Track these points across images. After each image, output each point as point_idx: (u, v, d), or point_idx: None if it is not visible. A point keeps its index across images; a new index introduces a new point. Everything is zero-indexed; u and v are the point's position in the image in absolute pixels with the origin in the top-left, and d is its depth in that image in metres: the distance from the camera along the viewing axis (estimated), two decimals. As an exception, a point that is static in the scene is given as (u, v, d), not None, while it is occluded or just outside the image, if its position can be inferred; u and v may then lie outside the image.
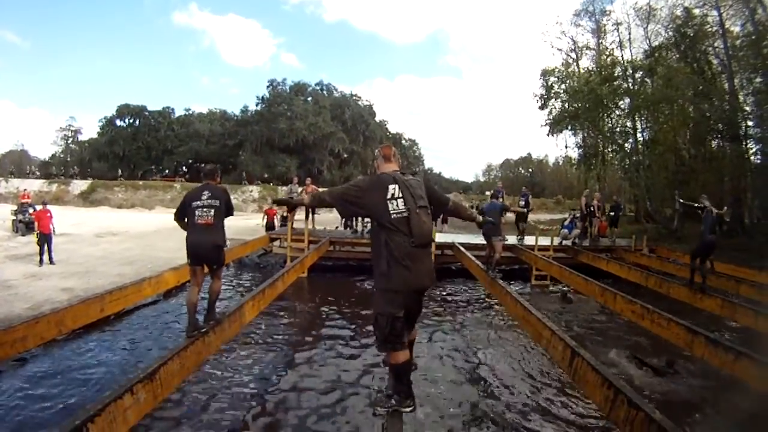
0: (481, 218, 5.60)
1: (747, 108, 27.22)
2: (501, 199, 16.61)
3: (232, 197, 6.53)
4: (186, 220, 6.21)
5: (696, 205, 12.50)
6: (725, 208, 14.17)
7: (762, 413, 6.00)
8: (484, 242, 12.53)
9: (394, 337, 3.93)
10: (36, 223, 16.40)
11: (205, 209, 6.06)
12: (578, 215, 20.22)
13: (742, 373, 6.14)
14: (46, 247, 15.82)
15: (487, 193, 16.64)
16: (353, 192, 4.13)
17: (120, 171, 68.04)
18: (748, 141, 27.49)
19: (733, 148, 28.01)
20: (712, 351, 6.73)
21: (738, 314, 9.75)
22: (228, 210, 6.36)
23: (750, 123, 27.18)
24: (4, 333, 5.67)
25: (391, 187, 3.93)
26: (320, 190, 4.43)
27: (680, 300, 11.33)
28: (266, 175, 72.04)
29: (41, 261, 15.59)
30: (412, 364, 4.36)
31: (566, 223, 20.46)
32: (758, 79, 25.83)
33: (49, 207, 17.21)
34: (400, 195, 3.90)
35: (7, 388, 7.14)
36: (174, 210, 6.42)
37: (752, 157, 27.91)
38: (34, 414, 6.46)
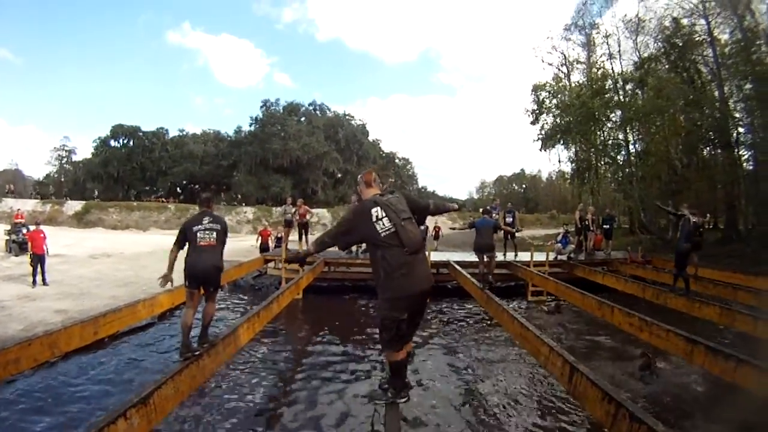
0: (456, 206, 6.09)
1: (737, 115, 27.43)
2: (496, 216, 17.03)
3: (226, 218, 6.61)
4: (187, 245, 6.41)
5: (674, 212, 13.46)
6: (707, 216, 14.22)
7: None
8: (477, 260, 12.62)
9: (400, 338, 4.52)
10: (29, 244, 16.31)
11: (207, 231, 6.36)
12: (571, 230, 20.24)
13: (743, 381, 6.10)
14: (39, 268, 15.75)
15: (482, 209, 16.74)
16: (344, 227, 4.77)
17: (112, 193, 67.79)
18: (739, 148, 27.69)
19: (725, 156, 28.21)
20: (712, 360, 6.70)
21: (737, 321, 9.74)
22: (225, 235, 6.54)
23: (741, 130, 27.45)
24: (-4, 354, 5.58)
25: (373, 211, 4.44)
26: (318, 235, 4.57)
27: (678, 310, 11.29)
28: (261, 197, 72.19)
29: (34, 282, 15.54)
30: (408, 362, 5.07)
31: (559, 238, 20.43)
32: (748, 86, 26.02)
33: (42, 228, 17.16)
34: (384, 215, 4.41)
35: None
36: (168, 231, 6.52)
37: (744, 164, 28.02)
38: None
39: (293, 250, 16.80)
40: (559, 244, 19.61)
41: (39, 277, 15.73)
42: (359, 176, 5.00)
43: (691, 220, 12.09)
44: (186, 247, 6.43)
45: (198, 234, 6.31)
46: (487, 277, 12.01)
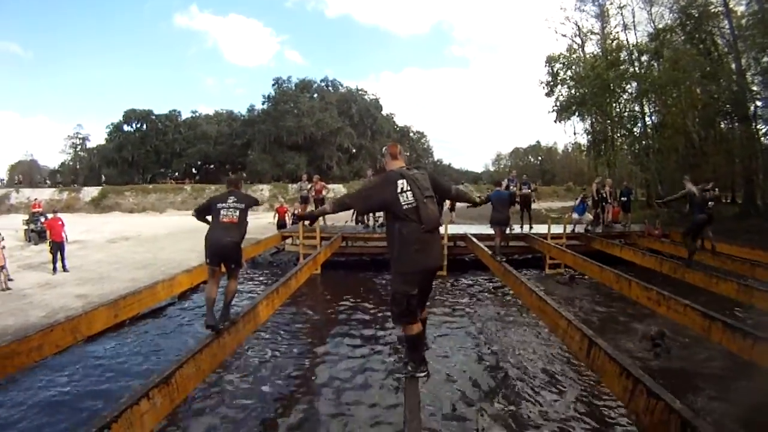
0: (478, 199, 6.49)
1: (755, 88, 26.90)
2: (513, 188, 17.12)
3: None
4: (209, 219, 6.52)
5: (677, 196, 13.00)
6: (710, 184, 14.03)
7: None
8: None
9: (410, 312, 4.58)
10: (48, 232, 16.45)
11: (230, 209, 6.36)
12: (588, 197, 20.12)
13: (760, 359, 6.03)
14: (59, 255, 15.91)
15: (503, 182, 16.57)
16: (368, 191, 4.98)
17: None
18: (757, 122, 27.28)
19: (742, 129, 27.89)
20: (729, 337, 6.62)
21: (755, 298, 9.52)
22: (251, 206, 6.64)
23: (759, 103, 26.90)
24: (19, 343, 5.68)
25: (399, 182, 4.52)
26: (338, 196, 4.77)
27: (696, 285, 11.14)
28: (277, 174, 72.13)
29: (54, 269, 15.70)
30: (424, 336, 5.12)
31: (576, 204, 20.26)
32: (765, 59, 25.48)
33: (60, 215, 17.30)
34: (408, 188, 4.48)
35: (23, 396, 7.17)
36: (185, 212, 6.55)
37: (762, 138, 27.70)
38: (51, 421, 6.47)
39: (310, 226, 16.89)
40: (576, 214, 19.49)
41: (59, 264, 15.89)
42: (384, 148, 5.07)
43: (695, 192, 12.04)
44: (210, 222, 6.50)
45: (221, 211, 6.36)
46: (496, 248, 12.27)
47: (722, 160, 28.38)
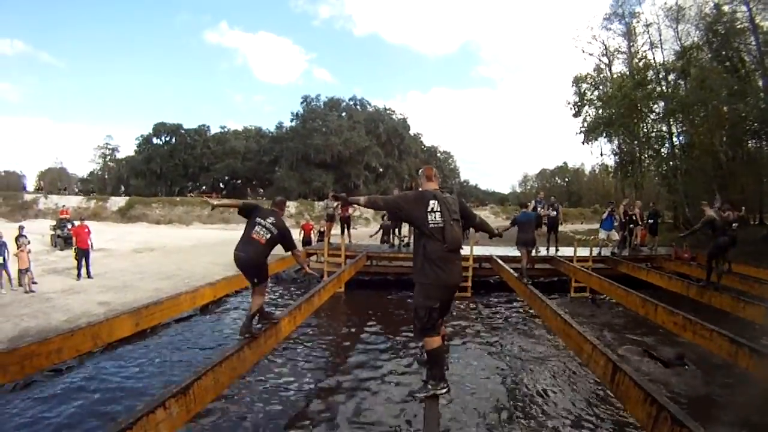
0: (496, 231, 6.78)
1: None
2: (541, 210, 17.42)
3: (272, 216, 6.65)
4: (244, 230, 6.55)
5: (698, 226, 13.16)
6: (725, 204, 13.99)
7: None
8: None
9: (431, 326, 4.95)
10: (74, 239, 16.57)
11: (264, 229, 6.42)
12: (616, 212, 19.84)
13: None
14: (84, 262, 16.07)
15: (530, 203, 16.71)
16: (402, 202, 5.16)
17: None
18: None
19: (771, 148, 27.26)
20: (756, 362, 6.53)
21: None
22: (282, 241, 6.63)
23: None
24: (39, 345, 5.70)
25: (431, 202, 4.90)
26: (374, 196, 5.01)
27: (723, 309, 10.97)
28: (304, 191, 72.67)
29: (79, 275, 15.85)
30: (444, 351, 5.52)
31: (604, 218, 20.02)
32: None
33: (87, 223, 17.41)
34: (438, 209, 4.87)
35: (41, 399, 7.21)
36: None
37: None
38: (68, 425, 6.49)
39: (335, 244, 16.86)
40: (604, 230, 19.49)
41: (83, 270, 16.02)
42: (420, 170, 5.51)
43: (716, 216, 12.28)
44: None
45: (255, 227, 6.43)
46: (522, 269, 12.17)
47: (750, 179, 28.09)
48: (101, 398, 7.27)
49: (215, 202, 6.84)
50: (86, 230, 16.34)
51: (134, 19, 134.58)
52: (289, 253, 6.84)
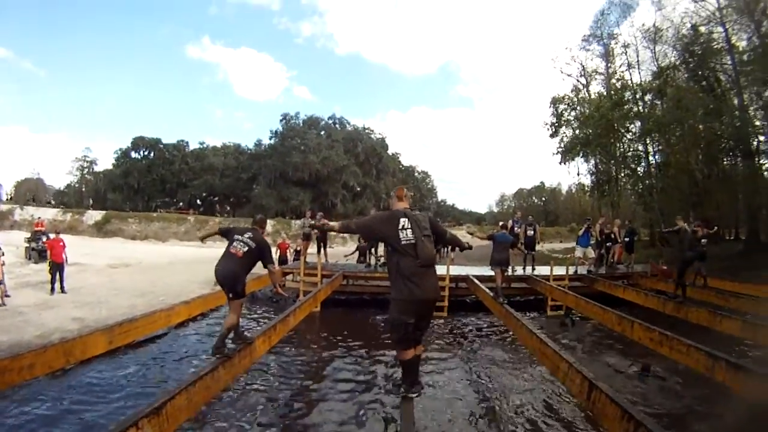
0: (467, 245, 6.91)
1: (758, 123, 27.27)
2: (518, 230, 17.95)
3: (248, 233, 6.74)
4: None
5: (672, 229, 14.30)
6: (698, 230, 14.52)
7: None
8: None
9: (407, 339, 5.20)
10: (48, 252, 16.41)
11: (241, 243, 6.59)
12: (593, 228, 20.09)
13: (765, 396, 5.97)
14: (58, 276, 15.89)
15: (501, 224, 17.12)
16: (374, 223, 5.56)
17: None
18: (760, 156, 27.45)
19: (746, 165, 28.00)
20: (733, 375, 6.58)
21: (759, 335, 9.64)
22: (260, 256, 6.77)
23: (762, 138, 27.18)
24: (11, 360, 5.64)
25: (402, 220, 5.16)
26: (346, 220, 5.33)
27: (699, 324, 11.12)
28: (281, 209, 72.81)
29: (53, 289, 15.69)
30: (418, 360, 5.66)
31: (580, 235, 20.26)
32: (767, 93, 25.83)
33: (62, 236, 17.33)
34: (409, 226, 5.12)
35: (13, 416, 7.10)
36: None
37: (766, 174, 27.91)
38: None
39: (311, 263, 16.80)
40: (581, 247, 19.74)
41: (57, 285, 15.84)
42: (392, 192, 5.78)
43: (688, 230, 13.28)
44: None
45: (234, 243, 6.61)
46: (497, 288, 12.30)
47: (726, 197, 28.70)
48: (72, 417, 7.15)
49: (201, 235, 7.24)
50: (61, 244, 16.23)
51: (117, 29, 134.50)
52: (265, 273, 6.88)
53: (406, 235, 5.08)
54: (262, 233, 7.09)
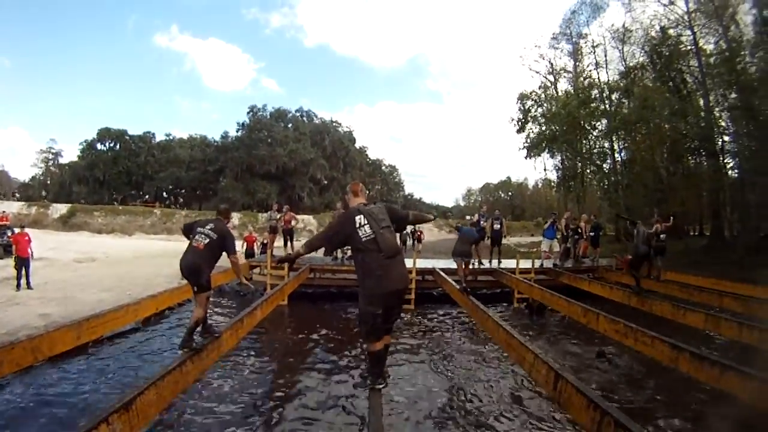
0: (431, 216, 7.12)
1: (722, 123, 27.92)
2: (484, 223, 18.21)
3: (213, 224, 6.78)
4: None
5: (630, 219, 16.82)
6: (656, 226, 15.18)
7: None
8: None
9: (375, 330, 5.24)
10: (14, 247, 16.19)
11: (203, 236, 6.74)
12: (557, 221, 20.40)
13: (729, 387, 6.14)
14: (24, 272, 15.67)
15: (468, 218, 17.54)
16: (332, 231, 5.68)
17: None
18: (724, 156, 28.11)
19: (710, 164, 28.65)
20: (697, 366, 6.73)
21: (722, 327, 9.88)
22: (222, 246, 6.90)
23: (726, 138, 27.86)
24: (-22, 359, 5.55)
25: (357, 218, 5.20)
26: (307, 240, 5.43)
27: (663, 316, 11.38)
28: (248, 202, 72.49)
29: (18, 285, 15.47)
30: (385, 353, 5.71)
31: (546, 228, 20.66)
32: (733, 95, 26.49)
33: (27, 230, 17.05)
34: (366, 222, 5.16)
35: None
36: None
37: (729, 172, 28.63)
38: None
39: (278, 256, 16.78)
40: (548, 239, 20.08)
41: (23, 281, 15.61)
42: (348, 186, 5.83)
43: (642, 228, 14.05)
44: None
45: (196, 236, 6.73)
46: (462, 279, 12.61)
47: (690, 194, 29.21)
48: (42, 414, 7.06)
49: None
50: (26, 238, 15.95)
51: (83, 16, 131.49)
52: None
53: (365, 231, 5.15)
54: (226, 223, 7.24)
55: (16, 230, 18.21)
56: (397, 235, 6.36)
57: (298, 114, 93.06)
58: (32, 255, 16.13)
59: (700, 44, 28.41)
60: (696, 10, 28.33)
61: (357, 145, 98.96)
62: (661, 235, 15.48)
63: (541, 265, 18.49)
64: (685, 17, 28.67)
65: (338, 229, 5.53)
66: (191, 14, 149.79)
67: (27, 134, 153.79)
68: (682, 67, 30.19)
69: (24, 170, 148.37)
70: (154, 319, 12.46)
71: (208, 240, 6.64)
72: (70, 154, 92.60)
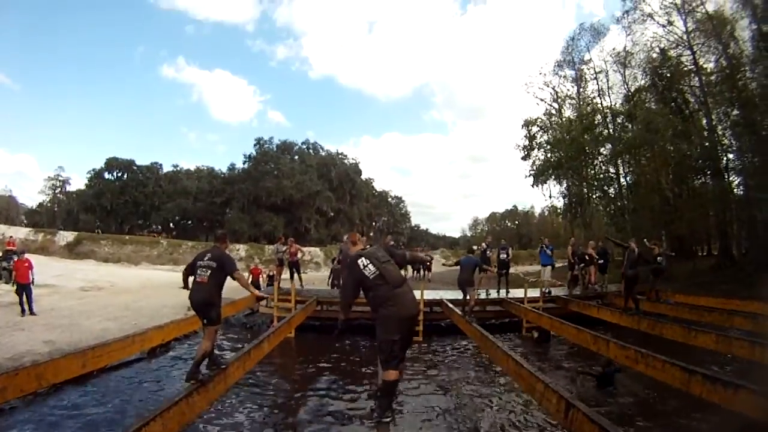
0: (428, 257, 9.02)
1: (726, 141, 27.95)
2: (490, 254, 18.45)
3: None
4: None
5: (622, 243, 17.06)
6: (656, 248, 16.04)
7: None
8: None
9: (394, 357, 5.72)
10: (14, 273, 16.18)
11: (203, 269, 6.79)
12: (547, 244, 20.47)
13: (742, 407, 6.07)
14: (25, 298, 15.58)
15: (475, 248, 17.75)
16: (347, 282, 6.50)
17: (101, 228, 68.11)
18: (729, 174, 28.13)
19: (715, 183, 28.50)
20: (710, 388, 6.66)
21: (734, 347, 9.78)
22: (223, 269, 6.85)
23: (730, 156, 27.94)
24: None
25: (359, 261, 5.96)
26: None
27: (675, 340, 11.25)
28: (254, 234, 72.74)
29: (23, 311, 15.39)
30: (398, 384, 6.18)
31: (540, 252, 20.59)
32: (735, 112, 26.61)
33: (29, 256, 17.10)
34: (369, 263, 5.90)
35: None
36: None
37: (735, 190, 28.55)
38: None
39: (285, 289, 16.73)
40: (547, 265, 20.03)
41: (27, 306, 15.53)
42: (345, 237, 7.17)
43: (636, 250, 15.03)
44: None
45: (197, 270, 6.81)
46: (468, 308, 13.51)
47: (696, 214, 28.90)
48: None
49: (181, 286, 7.40)
50: (26, 264, 15.87)
51: (92, 44, 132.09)
52: (238, 298, 7.01)
53: (371, 270, 5.83)
54: (225, 248, 7.28)
55: (16, 257, 18.08)
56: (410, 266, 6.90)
57: (304, 146, 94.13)
58: (33, 281, 16.05)
59: (701, 63, 28.58)
60: (695, 29, 28.61)
61: (363, 176, 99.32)
62: (659, 258, 16.15)
63: (549, 292, 18.42)
64: (684, 37, 28.91)
65: (351, 278, 6.16)
66: (197, 46, 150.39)
67: (35, 161, 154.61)
68: (683, 88, 30.33)
69: (32, 196, 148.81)
70: (160, 350, 12.39)
71: (209, 271, 6.68)
72: (78, 183, 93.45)
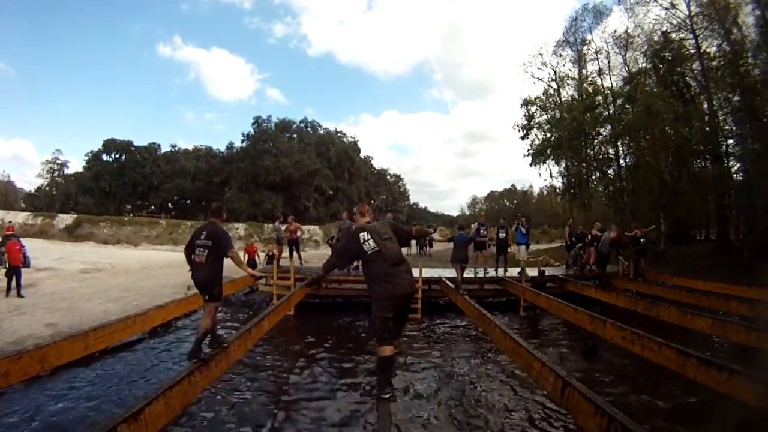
0: (431, 230, 7.53)
1: (727, 127, 27.94)
2: (484, 232, 18.43)
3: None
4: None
5: (588, 235, 19.17)
6: (636, 232, 18.59)
7: None
8: (472, 276, 14.99)
9: (388, 334, 5.79)
10: (6, 256, 16.21)
11: (200, 248, 6.74)
12: (524, 223, 20.77)
13: (737, 391, 6.09)
14: (15, 281, 15.68)
15: (473, 226, 17.78)
16: (342, 249, 6.87)
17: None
18: (729, 159, 28.18)
19: (715, 168, 28.58)
20: (705, 371, 6.70)
21: (729, 332, 9.80)
22: (220, 247, 6.76)
23: (731, 141, 27.99)
24: (-15, 368, 5.55)
25: (361, 235, 5.99)
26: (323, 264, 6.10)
27: (670, 322, 11.28)
28: (253, 213, 72.52)
29: (8, 293, 15.47)
30: (395, 359, 6.32)
31: (516, 231, 20.90)
32: (736, 98, 26.57)
33: (21, 240, 17.32)
34: (369, 237, 5.92)
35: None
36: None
37: (735, 175, 28.60)
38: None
39: (284, 267, 16.85)
40: (522, 245, 20.56)
41: (15, 290, 15.61)
42: (356, 207, 6.82)
43: (608, 235, 17.13)
44: None
45: (195, 250, 6.76)
46: (458, 281, 14.10)
47: (695, 198, 28.93)
48: (50, 424, 7.08)
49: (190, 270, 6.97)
50: (18, 247, 16.00)
51: (87, 25, 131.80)
52: (238, 277, 7.01)
53: (370, 245, 5.86)
54: (220, 221, 7.24)
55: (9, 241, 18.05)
56: (414, 242, 6.97)
57: (302, 125, 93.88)
58: (28, 263, 16.30)
59: (703, 47, 28.53)
60: (698, 13, 28.49)
61: (362, 154, 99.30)
62: (641, 240, 17.98)
63: (544, 273, 18.50)
64: (687, 21, 28.81)
65: (347, 247, 6.47)
66: (194, 24, 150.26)
67: (31, 145, 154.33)
68: (684, 71, 30.20)
69: (30, 181, 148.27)
70: (161, 330, 12.51)
71: (206, 251, 6.65)
72: (76, 165, 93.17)
